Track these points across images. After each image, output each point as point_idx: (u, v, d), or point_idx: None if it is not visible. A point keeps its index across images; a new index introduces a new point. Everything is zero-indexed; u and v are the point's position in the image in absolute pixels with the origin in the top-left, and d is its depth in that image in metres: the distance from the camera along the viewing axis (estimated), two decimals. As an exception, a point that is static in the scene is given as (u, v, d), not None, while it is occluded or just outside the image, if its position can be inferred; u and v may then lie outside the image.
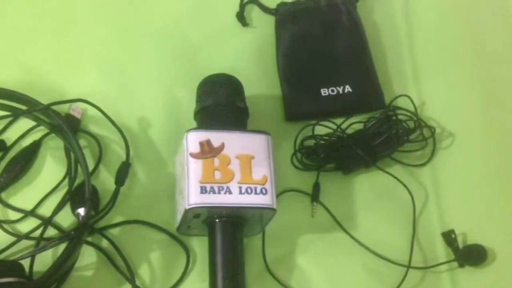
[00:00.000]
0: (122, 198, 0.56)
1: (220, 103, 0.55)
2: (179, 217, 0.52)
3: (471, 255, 0.58)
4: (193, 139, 0.52)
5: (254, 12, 0.68)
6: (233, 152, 0.52)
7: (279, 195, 0.58)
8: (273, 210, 0.51)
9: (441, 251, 0.58)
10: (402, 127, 0.61)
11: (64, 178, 0.56)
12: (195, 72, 0.59)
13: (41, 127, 0.58)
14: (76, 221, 0.52)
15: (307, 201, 0.59)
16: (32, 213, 0.54)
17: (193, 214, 0.51)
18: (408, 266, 0.57)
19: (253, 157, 0.52)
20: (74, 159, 0.56)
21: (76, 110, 0.58)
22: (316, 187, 0.60)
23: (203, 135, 0.52)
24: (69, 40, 0.64)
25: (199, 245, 0.55)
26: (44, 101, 0.56)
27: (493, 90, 0.67)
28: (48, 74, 0.61)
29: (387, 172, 0.60)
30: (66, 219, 0.54)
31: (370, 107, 0.64)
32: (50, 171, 0.57)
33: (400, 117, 0.62)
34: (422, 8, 0.71)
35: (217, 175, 0.51)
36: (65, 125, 0.55)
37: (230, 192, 0.50)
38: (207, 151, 0.52)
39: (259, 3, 0.68)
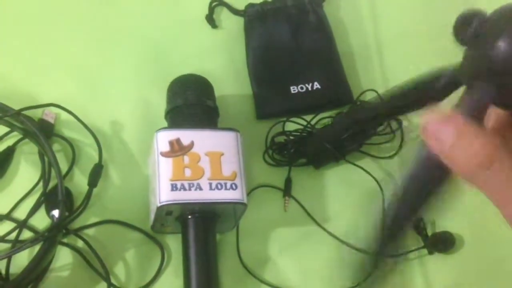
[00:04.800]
0: (96, 199, 0.57)
1: (190, 103, 0.57)
2: (152, 215, 0.54)
3: (440, 242, 0.59)
4: (163, 138, 0.53)
5: (223, 14, 0.70)
6: (202, 150, 0.53)
7: (252, 191, 0.60)
8: (244, 204, 0.53)
9: (411, 239, 0.60)
10: (369, 121, 0.62)
11: (38, 182, 0.57)
12: (167, 74, 0.60)
13: (15, 133, 0.59)
14: (51, 223, 0.53)
15: (279, 196, 0.61)
16: (7, 216, 0.55)
17: (165, 211, 0.52)
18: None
19: (222, 154, 0.53)
20: (47, 163, 0.57)
21: (49, 115, 0.59)
22: (288, 182, 0.61)
23: (173, 134, 0.53)
24: (40, 45, 0.64)
25: (174, 243, 0.56)
26: (17, 107, 0.57)
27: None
28: (20, 80, 0.62)
29: (357, 165, 0.62)
30: (41, 221, 0.55)
31: (339, 103, 0.65)
32: (24, 175, 0.57)
33: (368, 111, 0.64)
34: (388, 5, 0.73)
35: (187, 172, 0.52)
36: (37, 130, 0.55)
37: (201, 189, 0.51)
38: (177, 149, 0.53)
39: (227, 5, 0.69)
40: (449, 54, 0.74)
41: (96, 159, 0.58)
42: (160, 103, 0.60)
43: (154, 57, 0.66)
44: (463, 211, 0.61)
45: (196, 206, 0.52)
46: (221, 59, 0.67)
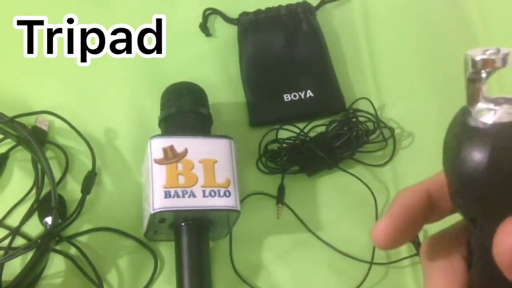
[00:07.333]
0: (90, 206, 0.57)
1: (183, 110, 0.57)
2: (145, 223, 0.54)
3: (432, 249, 0.59)
4: (157, 146, 0.53)
5: (217, 23, 0.70)
6: (196, 157, 0.53)
7: (245, 198, 0.60)
8: (237, 212, 0.53)
9: (403, 247, 0.60)
10: (361, 129, 0.62)
11: (31, 189, 0.57)
12: (160, 81, 0.61)
13: (8, 140, 0.59)
14: (44, 230, 0.53)
15: (272, 204, 0.61)
16: (0, 223, 0.55)
17: (158, 218, 0.52)
18: (371, 262, 0.58)
19: (216, 161, 0.54)
20: (41, 170, 0.57)
21: (43, 122, 0.59)
22: (281, 189, 0.61)
23: (166, 141, 0.54)
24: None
25: (167, 250, 0.56)
26: (11, 113, 0.57)
27: (449, 92, 0.69)
28: (14, 87, 0.62)
29: (349, 173, 0.62)
30: (34, 228, 0.55)
31: (331, 111, 0.65)
32: (17, 182, 0.57)
33: (360, 119, 0.64)
34: (380, 14, 0.73)
35: (181, 179, 0.52)
36: (30, 137, 0.56)
37: (194, 196, 0.52)
38: (171, 156, 0.53)
39: (221, 14, 0.70)
40: (441, 62, 0.75)
41: (89, 166, 0.58)
42: (154, 111, 0.60)
43: (148, 64, 0.66)
44: (454, 219, 0.61)
45: (190, 214, 0.52)
46: (215, 67, 0.67)
